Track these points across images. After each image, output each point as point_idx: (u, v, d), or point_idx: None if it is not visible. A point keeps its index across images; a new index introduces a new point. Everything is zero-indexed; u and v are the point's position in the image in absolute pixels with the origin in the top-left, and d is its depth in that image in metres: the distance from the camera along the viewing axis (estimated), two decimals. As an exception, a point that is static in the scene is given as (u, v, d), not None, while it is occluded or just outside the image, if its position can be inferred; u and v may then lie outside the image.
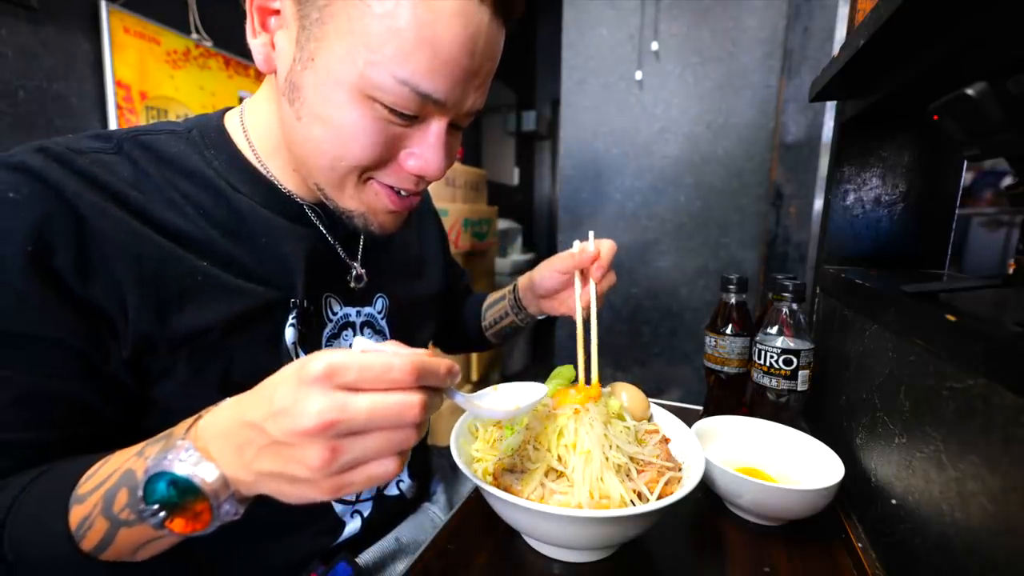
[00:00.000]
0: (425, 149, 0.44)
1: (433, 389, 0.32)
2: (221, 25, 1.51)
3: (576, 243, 0.60)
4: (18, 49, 1.07)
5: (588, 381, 0.56)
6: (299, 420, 0.28)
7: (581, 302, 0.59)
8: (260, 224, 0.48)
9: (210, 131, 0.49)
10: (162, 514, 0.31)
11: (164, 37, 1.36)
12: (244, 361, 0.45)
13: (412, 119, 0.42)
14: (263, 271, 0.47)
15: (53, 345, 0.37)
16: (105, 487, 0.34)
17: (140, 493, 0.32)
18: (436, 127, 0.43)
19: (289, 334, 0.48)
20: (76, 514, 0.34)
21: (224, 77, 1.56)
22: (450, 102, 0.42)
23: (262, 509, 0.47)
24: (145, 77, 1.32)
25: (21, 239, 0.36)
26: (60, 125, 1.16)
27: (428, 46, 0.38)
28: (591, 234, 0.60)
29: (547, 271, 0.64)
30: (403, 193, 0.47)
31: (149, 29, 1.32)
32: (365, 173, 0.45)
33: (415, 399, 0.30)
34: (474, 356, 2.25)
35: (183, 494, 0.31)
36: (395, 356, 0.30)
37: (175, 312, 0.42)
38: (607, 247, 0.59)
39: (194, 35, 1.44)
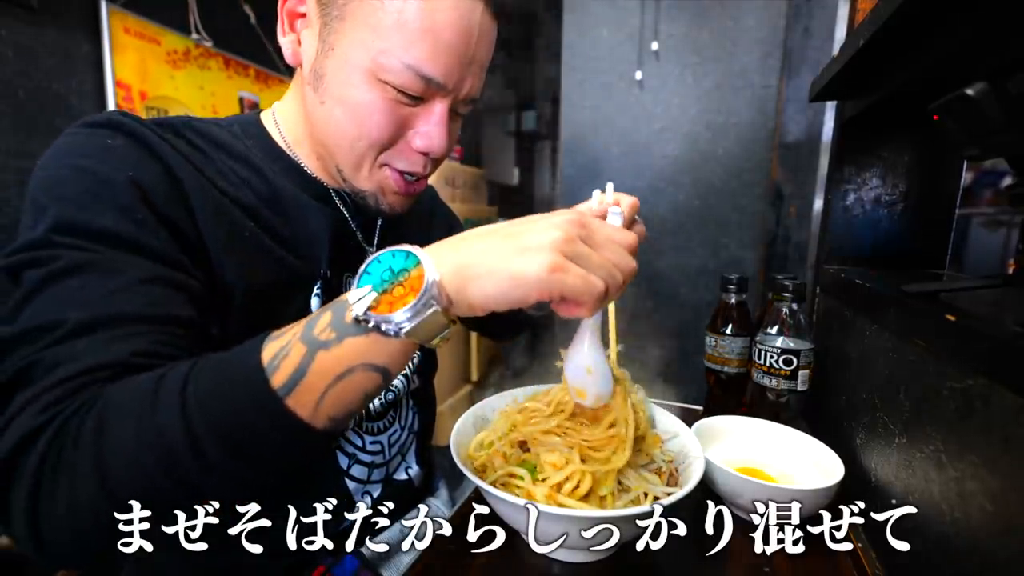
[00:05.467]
0: (430, 128, 0.49)
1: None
2: (221, 25, 1.51)
3: (596, 193, 0.55)
4: (18, 49, 1.06)
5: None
6: (556, 215, 0.36)
7: None
8: (293, 201, 0.53)
9: (248, 126, 0.55)
10: (371, 296, 0.33)
11: (164, 37, 1.36)
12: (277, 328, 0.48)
13: (418, 100, 0.48)
14: (296, 243, 0.52)
15: (158, 251, 0.41)
16: (307, 319, 0.35)
17: (354, 284, 0.34)
18: (439, 108, 0.49)
19: (315, 304, 0.53)
20: (271, 347, 0.34)
21: (224, 77, 1.56)
22: (450, 84, 0.48)
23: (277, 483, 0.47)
24: (145, 77, 1.32)
25: (123, 167, 0.42)
26: (60, 125, 1.15)
27: (430, 35, 0.44)
28: (610, 185, 0.55)
29: None
30: (410, 177, 0.53)
31: (149, 29, 1.32)
32: (380, 157, 0.51)
33: (633, 259, 0.38)
34: (474, 356, 2.25)
35: (398, 268, 0.34)
36: (624, 231, 0.39)
37: (227, 257, 0.46)
38: (628, 201, 0.56)
39: (194, 35, 1.44)
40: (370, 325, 0.33)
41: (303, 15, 0.49)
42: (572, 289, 0.34)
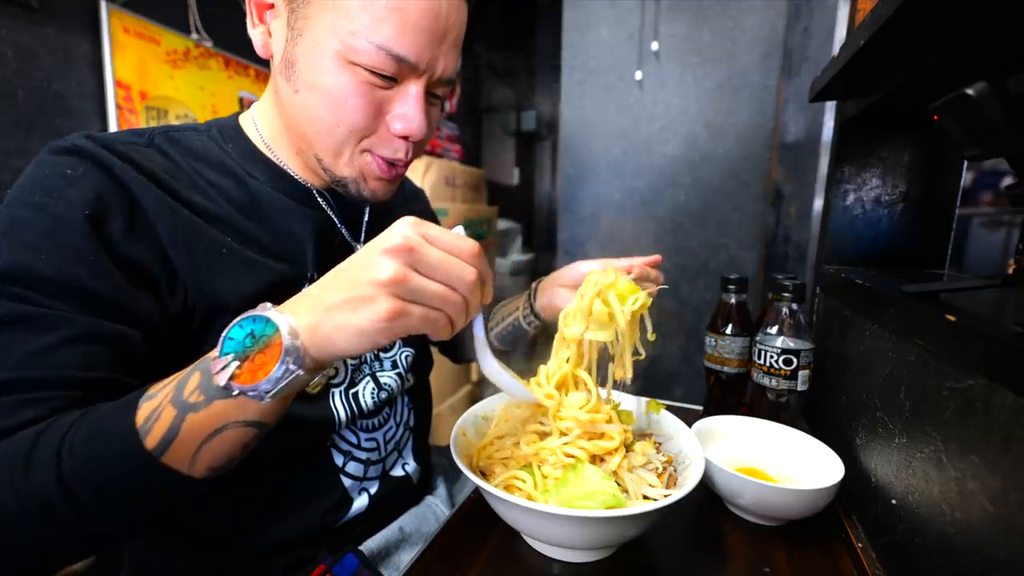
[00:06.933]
0: (407, 109, 0.49)
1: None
2: (221, 25, 1.51)
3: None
4: (18, 49, 1.06)
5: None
6: (387, 240, 0.34)
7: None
8: (273, 205, 0.53)
9: (227, 129, 0.55)
10: (234, 365, 0.34)
11: (164, 37, 1.36)
12: None
13: (391, 81, 0.48)
14: (278, 248, 0.52)
15: (103, 298, 0.41)
16: (177, 378, 0.37)
17: (216, 353, 0.35)
18: (414, 89, 0.49)
19: None
20: (144, 409, 0.36)
21: (224, 77, 1.56)
22: (422, 63, 0.47)
23: (274, 482, 0.50)
24: (145, 77, 1.31)
25: (79, 205, 0.41)
26: (60, 125, 1.16)
27: (397, 13, 0.44)
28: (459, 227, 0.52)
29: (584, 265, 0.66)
30: (392, 162, 0.52)
31: (149, 29, 1.32)
32: (362, 143, 0.50)
33: (473, 270, 0.37)
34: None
35: (258, 334, 0.35)
36: (465, 237, 0.38)
37: (206, 281, 0.46)
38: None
39: (194, 35, 1.44)
40: (235, 393, 0.34)
41: (271, 5, 0.49)
42: (418, 329, 0.36)
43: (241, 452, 0.38)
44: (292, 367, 0.34)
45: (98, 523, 0.35)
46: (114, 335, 0.41)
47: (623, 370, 0.51)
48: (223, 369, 0.34)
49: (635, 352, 0.51)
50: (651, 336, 0.51)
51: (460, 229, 0.40)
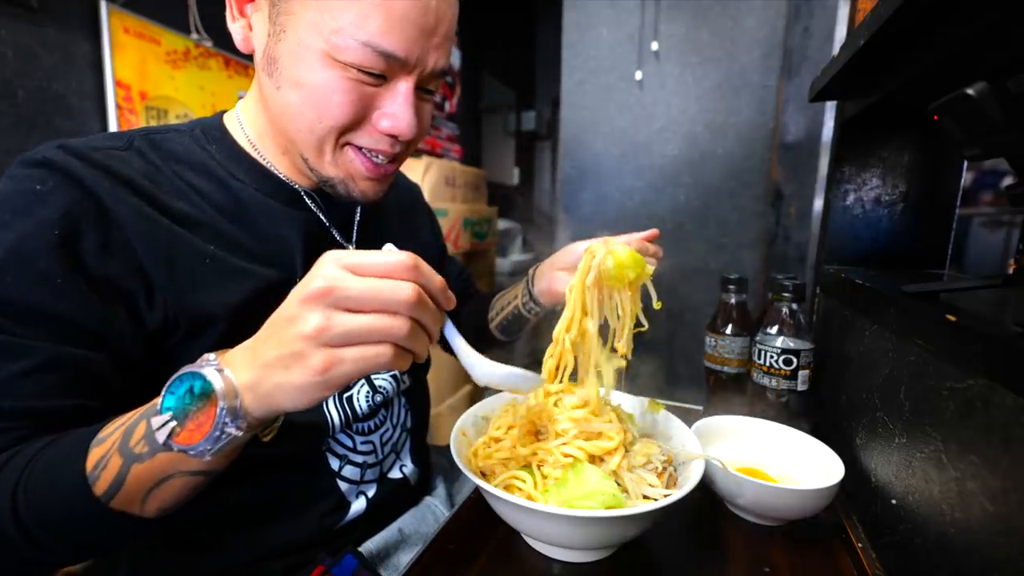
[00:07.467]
0: (395, 108, 0.47)
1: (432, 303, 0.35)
2: (221, 25, 1.51)
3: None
4: (18, 49, 1.06)
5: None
6: (306, 286, 0.32)
7: None
8: (258, 208, 0.51)
9: (211, 129, 0.53)
10: (172, 424, 0.33)
11: (164, 37, 1.36)
12: None
13: (380, 78, 0.46)
14: (266, 253, 0.50)
15: (69, 321, 0.40)
16: (126, 424, 0.36)
17: (159, 404, 0.34)
18: (404, 86, 0.47)
19: None
20: (94, 455, 0.36)
21: (224, 77, 1.56)
22: (412, 58, 0.45)
23: (270, 487, 0.49)
24: (145, 77, 1.31)
25: (48, 224, 0.39)
26: (60, 125, 1.16)
27: (383, 8, 0.42)
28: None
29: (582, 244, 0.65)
30: (379, 159, 0.50)
31: (149, 29, 1.32)
32: (342, 137, 0.48)
33: (408, 286, 0.32)
34: (474, 356, 2.24)
35: (196, 392, 0.33)
36: (396, 252, 0.34)
37: (189, 293, 0.45)
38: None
39: (194, 35, 1.44)
40: (175, 450, 0.34)
41: None
42: (359, 373, 0.32)
43: (191, 494, 0.38)
44: (230, 429, 0.33)
45: (54, 553, 0.37)
46: (80, 361, 0.40)
47: (623, 345, 0.51)
48: (162, 427, 0.33)
49: (638, 324, 0.51)
50: (656, 305, 0.50)
51: (390, 246, 0.38)
